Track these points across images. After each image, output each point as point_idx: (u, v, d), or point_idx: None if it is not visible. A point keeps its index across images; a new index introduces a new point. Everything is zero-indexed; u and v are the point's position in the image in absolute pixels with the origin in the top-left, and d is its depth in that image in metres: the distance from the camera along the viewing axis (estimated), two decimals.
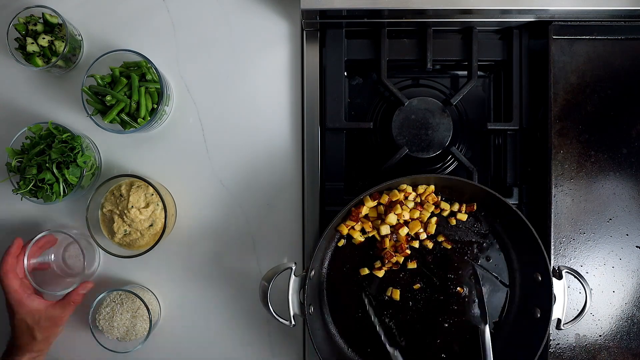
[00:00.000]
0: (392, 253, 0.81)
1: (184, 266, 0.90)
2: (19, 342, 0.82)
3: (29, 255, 0.84)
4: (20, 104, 0.90)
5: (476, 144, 0.93)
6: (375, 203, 0.80)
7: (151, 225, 0.84)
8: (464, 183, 0.80)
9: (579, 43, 0.86)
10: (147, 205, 0.84)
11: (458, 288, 0.83)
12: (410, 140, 0.87)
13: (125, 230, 0.84)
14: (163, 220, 0.84)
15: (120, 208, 0.83)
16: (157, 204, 0.84)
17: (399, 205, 0.80)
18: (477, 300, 0.83)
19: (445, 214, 0.83)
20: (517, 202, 0.88)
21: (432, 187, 0.81)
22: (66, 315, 0.84)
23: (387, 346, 0.82)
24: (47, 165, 0.81)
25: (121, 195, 0.84)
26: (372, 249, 0.83)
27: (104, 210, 0.85)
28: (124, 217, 0.83)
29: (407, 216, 0.80)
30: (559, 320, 0.78)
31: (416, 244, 0.82)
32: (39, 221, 0.90)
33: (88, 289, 0.86)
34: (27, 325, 0.82)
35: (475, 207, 0.82)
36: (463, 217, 0.82)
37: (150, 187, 0.83)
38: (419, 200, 0.82)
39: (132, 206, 0.83)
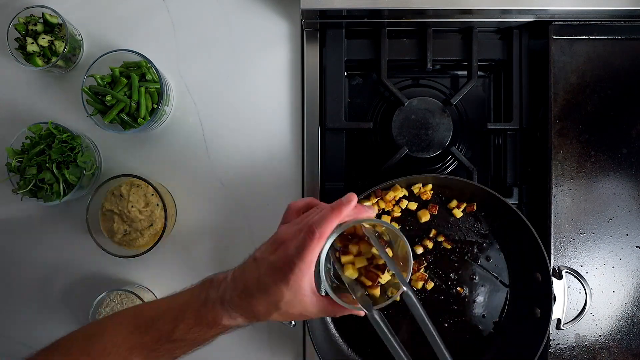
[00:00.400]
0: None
1: (184, 266, 0.90)
2: (244, 293, 0.57)
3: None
4: (20, 104, 0.90)
5: (476, 144, 0.93)
6: (372, 203, 0.80)
7: (151, 225, 0.84)
8: (464, 183, 0.80)
9: (579, 43, 0.86)
10: (147, 205, 0.84)
11: (458, 288, 0.83)
12: (410, 140, 0.87)
13: (125, 230, 0.84)
14: (163, 220, 0.84)
15: (120, 208, 0.83)
16: (157, 204, 0.84)
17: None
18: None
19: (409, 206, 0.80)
20: (517, 202, 0.88)
21: (429, 186, 0.81)
22: (314, 315, 0.60)
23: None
24: (47, 165, 0.81)
25: (121, 195, 0.84)
26: None
27: (104, 210, 0.85)
28: (124, 217, 0.83)
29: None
30: (559, 320, 0.79)
31: (419, 249, 0.82)
32: (39, 222, 0.90)
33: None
34: (278, 301, 0.56)
35: (475, 207, 0.82)
36: (458, 213, 0.82)
37: (150, 187, 0.83)
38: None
39: (132, 206, 0.83)
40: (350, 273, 0.61)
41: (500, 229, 0.83)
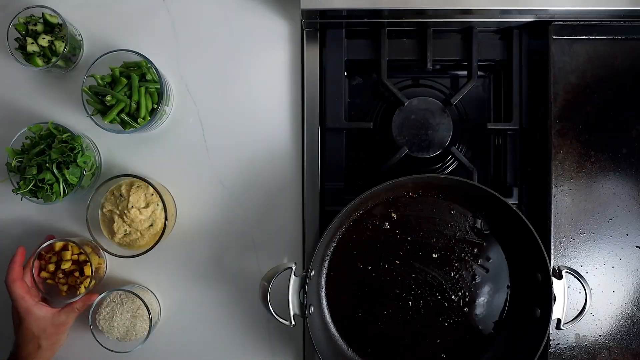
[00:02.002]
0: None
1: (184, 266, 0.90)
2: (23, 352, 0.82)
3: (36, 263, 0.83)
4: (20, 104, 0.90)
5: (476, 144, 0.93)
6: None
7: (151, 225, 0.85)
8: (463, 183, 0.80)
9: (579, 43, 0.86)
10: (147, 205, 0.84)
11: (458, 288, 0.83)
12: (410, 140, 0.87)
13: (126, 230, 0.84)
14: (163, 220, 0.84)
15: (120, 208, 0.83)
16: (157, 204, 0.84)
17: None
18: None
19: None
20: (517, 202, 0.88)
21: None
22: (70, 322, 0.84)
23: None
24: (47, 165, 0.81)
25: (121, 195, 0.84)
26: (375, 246, 0.83)
27: (104, 210, 0.85)
28: (124, 217, 0.83)
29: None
30: (558, 320, 0.79)
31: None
32: (39, 222, 0.90)
33: (92, 300, 0.84)
34: (32, 334, 0.81)
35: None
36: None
37: (150, 187, 0.83)
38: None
39: (132, 206, 0.83)
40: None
41: (500, 229, 0.83)
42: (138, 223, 0.84)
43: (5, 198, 0.88)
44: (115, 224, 0.84)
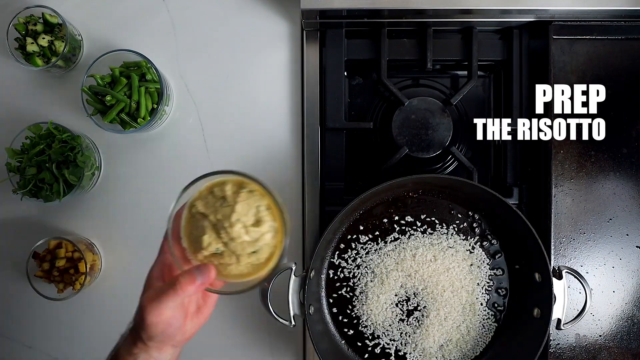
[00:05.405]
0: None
1: None
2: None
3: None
4: (20, 104, 0.90)
5: (476, 144, 0.93)
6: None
7: (255, 252, 0.60)
8: (464, 183, 0.80)
9: (579, 43, 0.86)
10: (257, 224, 0.59)
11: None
12: (410, 140, 0.87)
13: (218, 249, 0.59)
14: (272, 249, 0.59)
15: (219, 216, 0.59)
16: (271, 225, 0.60)
17: None
18: None
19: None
20: (517, 202, 0.88)
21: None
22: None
23: None
24: (47, 165, 0.82)
25: (224, 198, 0.59)
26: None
27: (194, 210, 0.60)
28: (222, 231, 0.58)
29: None
30: (559, 320, 0.78)
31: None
32: (38, 221, 0.90)
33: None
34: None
35: None
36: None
37: (266, 199, 0.59)
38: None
39: (238, 219, 0.58)
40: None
41: (500, 229, 0.83)
42: (238, 245, 0.59)
43: (4, 198, 0.88)
44: (206, 237, 0.59)
